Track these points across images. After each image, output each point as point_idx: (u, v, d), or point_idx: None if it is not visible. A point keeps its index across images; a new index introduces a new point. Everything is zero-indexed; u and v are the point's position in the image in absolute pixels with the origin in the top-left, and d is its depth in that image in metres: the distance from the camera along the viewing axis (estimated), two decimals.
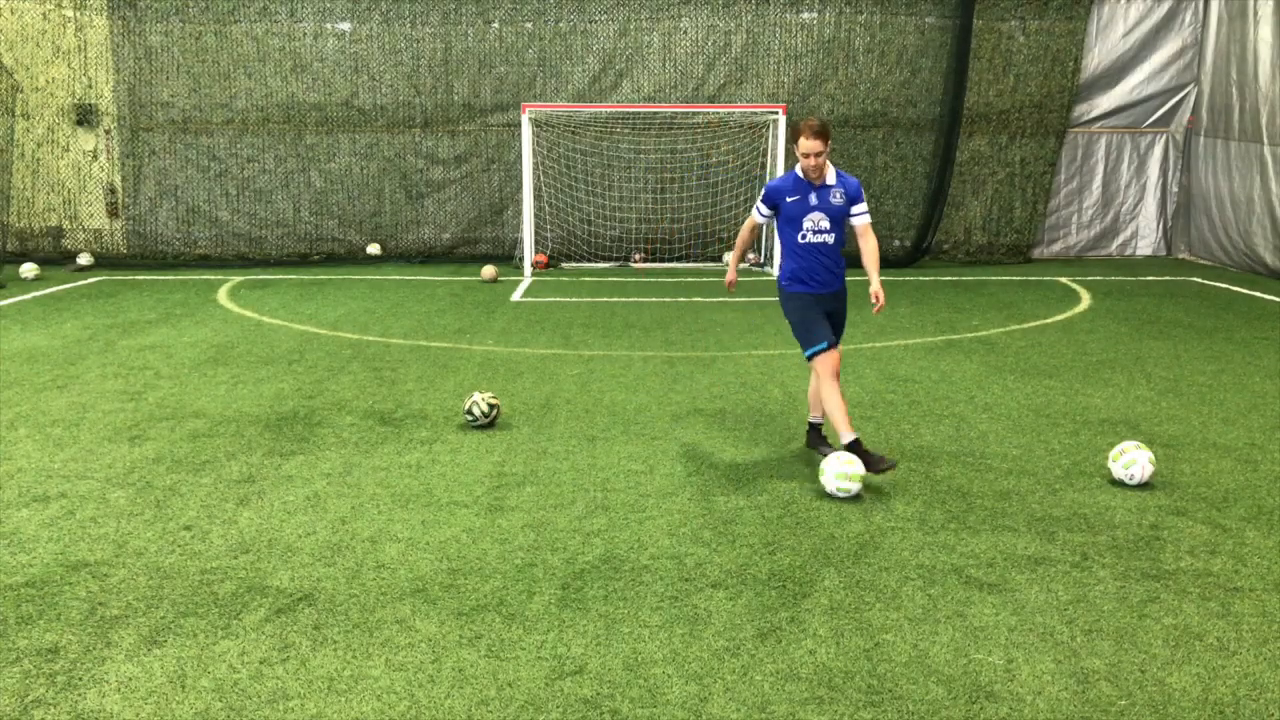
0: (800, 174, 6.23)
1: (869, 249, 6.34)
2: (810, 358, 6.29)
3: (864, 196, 6.32)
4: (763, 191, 6.40)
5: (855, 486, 5.78)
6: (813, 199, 6.21)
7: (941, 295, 13.42)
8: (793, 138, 6.13)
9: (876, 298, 6.22)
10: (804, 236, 6.21)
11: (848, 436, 6.12)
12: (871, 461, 5.98)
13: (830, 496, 5.82)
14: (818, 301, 6.31)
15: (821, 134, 6.02)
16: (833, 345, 6.25)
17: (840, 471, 5.79)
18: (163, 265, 16.07)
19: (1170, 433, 7.15)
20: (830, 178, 6.23)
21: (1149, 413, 7.68)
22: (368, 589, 4.68)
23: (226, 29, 16.16)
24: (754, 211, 6.50)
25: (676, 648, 4.16)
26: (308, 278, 14.85)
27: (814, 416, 6.77)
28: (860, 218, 6.30)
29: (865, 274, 6.30)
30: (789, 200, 6.22)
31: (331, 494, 5.91)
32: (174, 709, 3.71)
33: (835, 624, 4.36)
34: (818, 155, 6.05)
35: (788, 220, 6.26)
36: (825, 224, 6.21)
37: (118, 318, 11.54)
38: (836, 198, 6.23)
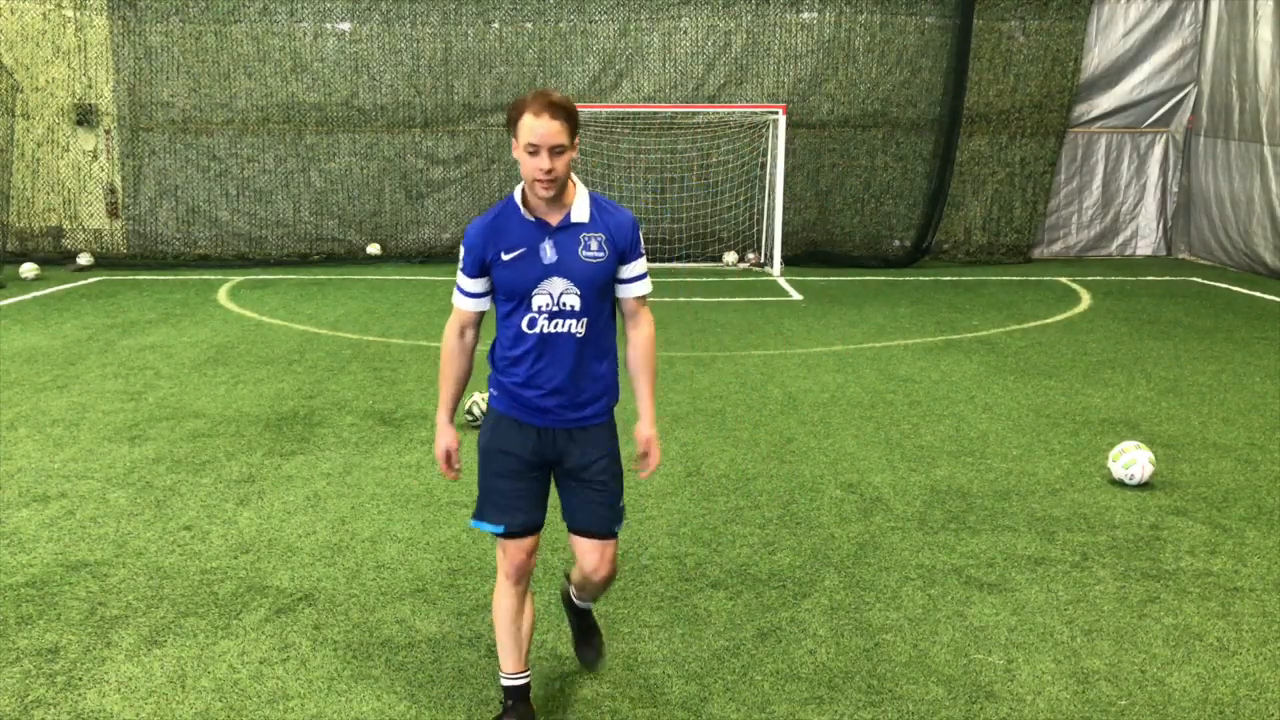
0: (520, 204, 3.30)
1: (639, 344, 3.49)
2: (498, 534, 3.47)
3: (643, 246, 3.42)
4: (462, 249, 3.38)
5: None
6: (546, 252, 3.28)
7: (941, 295, 13.42)
8: (511, 120, 3.17)
9: (647, 449, 3.50)
10: (532, 324, 3.32)
11: (506, 677, 3.55)
12: None
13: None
14: (524, 440, 3.44)
15: (566, 114, 3.12)
16: (525, 532, 3.45)
17: None
18: (163, 265, 16.06)
19: (1170, 433, 7.15)
20: (580, 210, 3.30)
21: (1149, 413, 7.68)
22: (368, 589, 4.68)
23: (226, 29, 16.16)
24: (455, 295, 3.46)
25: (676, 648, 4.16)
26: (308, 278, 14.85)
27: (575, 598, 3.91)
28: (633, 285, 3.42)
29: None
30: (506, 257, 3.29)
31: (331, 494, 5.91)
32: (174, 709, 3.71)
33: (835, 624, 4.36)
34: (555, 152, 3.12)
35: (507, 294, 3.34)
36: (573, 300, 3.30)
37: (118, 318, 11.54)
38: (592, 249, 3.30)
